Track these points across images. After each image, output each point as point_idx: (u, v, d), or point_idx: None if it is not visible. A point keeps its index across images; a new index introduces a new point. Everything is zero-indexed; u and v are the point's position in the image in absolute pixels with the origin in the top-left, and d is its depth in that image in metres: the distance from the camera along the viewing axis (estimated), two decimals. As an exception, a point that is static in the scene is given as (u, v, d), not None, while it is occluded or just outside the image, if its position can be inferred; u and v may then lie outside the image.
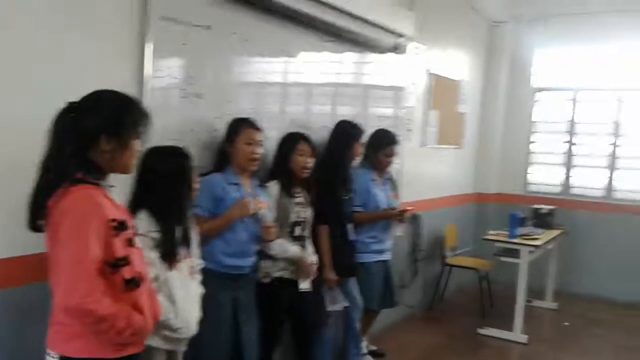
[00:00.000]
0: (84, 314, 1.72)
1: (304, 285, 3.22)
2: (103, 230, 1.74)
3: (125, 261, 1.81)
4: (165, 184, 2.32)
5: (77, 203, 1.73)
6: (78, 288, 1.69)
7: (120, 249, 1.80)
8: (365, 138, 3.81)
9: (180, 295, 2.32)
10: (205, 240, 2.69)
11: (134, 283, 1.85)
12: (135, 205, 2.31)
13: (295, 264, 3.20)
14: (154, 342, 2.26)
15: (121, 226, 1.81)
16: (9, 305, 2.17)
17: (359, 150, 3.74)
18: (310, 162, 3.24)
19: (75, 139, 1.77)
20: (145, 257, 2.18)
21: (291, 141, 3.26)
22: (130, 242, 1.85)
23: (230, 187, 2.85)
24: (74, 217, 1.72)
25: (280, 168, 3.25)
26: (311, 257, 3.29)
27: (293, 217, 3.22)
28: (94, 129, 1.79)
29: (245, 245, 2.89)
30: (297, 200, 3.27)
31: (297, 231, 3.25)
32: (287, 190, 3.21)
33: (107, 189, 1.87)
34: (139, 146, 1.90)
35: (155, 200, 2.30)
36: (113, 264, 1.78)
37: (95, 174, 1.82)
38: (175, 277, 2.32)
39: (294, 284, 3.21)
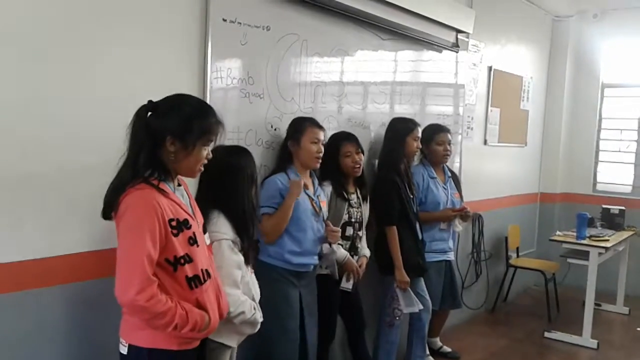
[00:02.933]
0: (138, 310, 1.77)
1: (346, 285, 3.22)
2: (160, 230, 1.78)
3: (186, 259, 1.86)
4: (229, 181, 2.35)
5: (133, 204, 1.78)
6: (131, 285, 1.73)
7: (180, 248, 1.84)
8: (419, 133, 3.73)
9: (256, 292, 2.42)
10: (272, 237, 2.76)
11: (197, 280, 1.89)
12: (203, 203, 2.33)
13: (342, 265, 3.19)
14: (230, 341, 2.35)
15: (181, 226, 1.85)
16: (92, 296, 2.26)
17: (415, 145, 3.67)
18: (358, 159, 3.22)
19: (146, 137, 1.83)
20: (228, 259, 2.27)
21: (335, 144, 3.24)
22: (191, 241, 1.88)
23: None
24: (130, 217, 1.77)
25: (331, 169, 3.24)
26: (357, 261, 3.27)
27: (345, 217, 3.23)
28: (162, 129, 1.85)
29: (312, 245, 2.92)
30: (351, 200, 3.28)
31: (348, 231, 3.25)
32: (339, 190, 3.23)
33: (173, 188, 1.91)
34: (207, 153, 1.94)
35: (226, 200, 2.33)
36: (174, 263, 1.83)
37: (162, 173, 1.86)
38: (249, 277, 2.42)
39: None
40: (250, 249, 2.39)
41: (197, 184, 2.37)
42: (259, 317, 2.39)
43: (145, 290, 1.74)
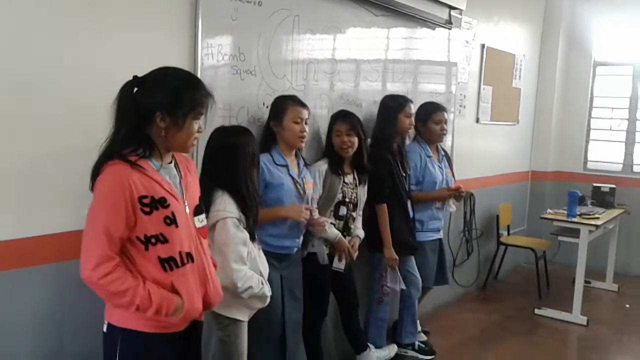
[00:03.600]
0: (95, 287, 1.72)
1: (338, 265, 3.22)
2: (126, 207, 1.71)
3: (159, 239, 1.77)
4: (231, 160, 2.34)
5: (101, 180, 1.73)
6: (89, 261, 1.70)
7: (152, 227, 1.76)
8: (413, 110, 3.70)
9: (265, 268, 2.46)
10: None
11: (173, 262, 1.81)
12: (207, 183, 2.30)
13: (332, 244, 3.17)
14: (241, 315, 2.42)
15: (156, 204, 1.76)
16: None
17: (408, 122, 3.64)
18: (348, 139, 3.19)
19: (133, 113, 1.77)
20: (234, 237, 2.29)
21: (330, 122, 3.27)
22: (168, 220, 1.79)
23: (278, 169, 2.83)
24: (98, 193, 1.74)
25: (327, 147, 3.27)
26: (349, 241, 3.26)
27: (339, 196, 3.21)
28: (150, 105, 1.78)
29: (293, 229, 2.88)
30: (346, 180, 3.26)
31: (342, 210, 3.23)
32: (335, 168, 3.21)
33: (159, 166, 1.83)
34: (198, 127, 1.87)
35: (229, 180, 2.34)
36: (144, 241, 1.76)
37: (147, 150, 1.80)
38: (256, 253, 2.44)
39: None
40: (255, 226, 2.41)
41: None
42: (267, 290, 2.42)
43: (99, 266, 1.69)
